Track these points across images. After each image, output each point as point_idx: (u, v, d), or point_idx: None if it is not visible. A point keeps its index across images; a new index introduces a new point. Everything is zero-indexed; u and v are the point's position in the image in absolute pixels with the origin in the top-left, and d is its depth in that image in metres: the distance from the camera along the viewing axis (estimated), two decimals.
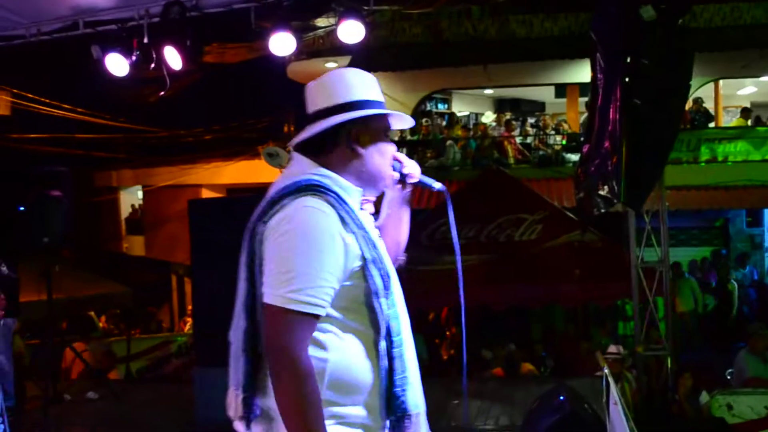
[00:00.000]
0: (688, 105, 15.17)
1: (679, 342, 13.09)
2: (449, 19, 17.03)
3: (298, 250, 1.98)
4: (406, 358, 2.16)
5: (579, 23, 16.26)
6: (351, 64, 16.69)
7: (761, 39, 15.59)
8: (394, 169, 2.31)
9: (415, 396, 2.19)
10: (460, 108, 20.00)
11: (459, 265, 2.48)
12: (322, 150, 2.18)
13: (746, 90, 19.19)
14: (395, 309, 2.16)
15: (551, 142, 16.45)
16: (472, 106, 20.04)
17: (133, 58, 6.78)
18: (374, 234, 2.18)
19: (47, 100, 15.91)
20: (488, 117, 17.97)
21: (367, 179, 2.22)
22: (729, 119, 18.03)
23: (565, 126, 16.83)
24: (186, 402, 7.30)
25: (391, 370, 2.12)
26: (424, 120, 16.69)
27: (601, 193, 6.00)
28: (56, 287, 8.03)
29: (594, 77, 6.10)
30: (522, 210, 9.85)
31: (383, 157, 2.24)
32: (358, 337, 2.11)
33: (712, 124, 16.27)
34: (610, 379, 3.90)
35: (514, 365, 9.95)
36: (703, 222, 15.61)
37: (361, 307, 2.11)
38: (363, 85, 2.22)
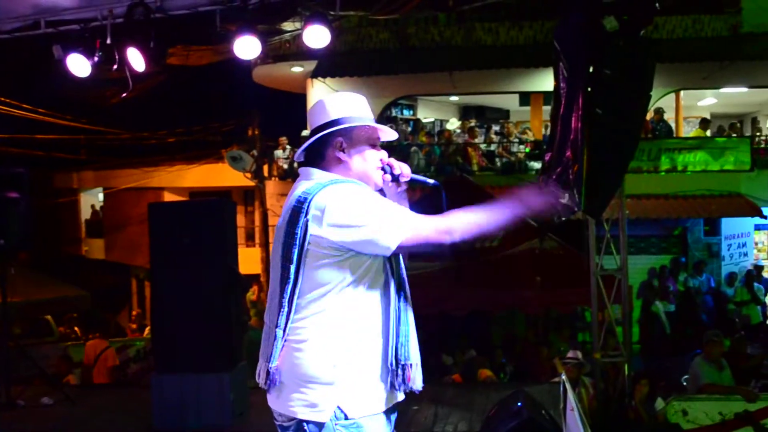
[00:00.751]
0: (650, 115, 15.45)
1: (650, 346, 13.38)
2: (416, 26, 17.21)
3: (365, 204, 2.45)
4: (408, 314, 2.58)
5: (544, 32, 16.55)
6: (317, 69, 16.69)
7: (721, 51, 15.97)
8: (386, 172, 2.69)
9: (414, 348, 2.59)
10: (426, 114, 20.09)
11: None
12: (316, 160, 2.64)
13: (707, 101, 19.61)
14: (400, 273, 2.60)
15: (515, 149, 16.65)
16: (438, 112, 20.16)
17: (96, 58, 6.71)
18: None
19: (7, 100, 15.63)
20: (453, 124, 18.07)
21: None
22: (689, 129, 18.38)
23: (529, 134, 17.05)
24: (144, 408, 7.21)
25: (397, 324, 2.51)
26: (388, 126, 16.79)
27: (562, 201, 5.90)
28: (12, 290, 7.88)
29: (557, 86, 5.96)
30: None
31: (366, 162, 2.65)
32: (373, 299, 2.52)
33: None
34: (568, 386, 3.93)
35: (473, 371, 9.99)
36: (661, 230, 15.88)
37: (378, 270, 2.53)
38: (347, 105, 2.66)
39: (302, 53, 16.17)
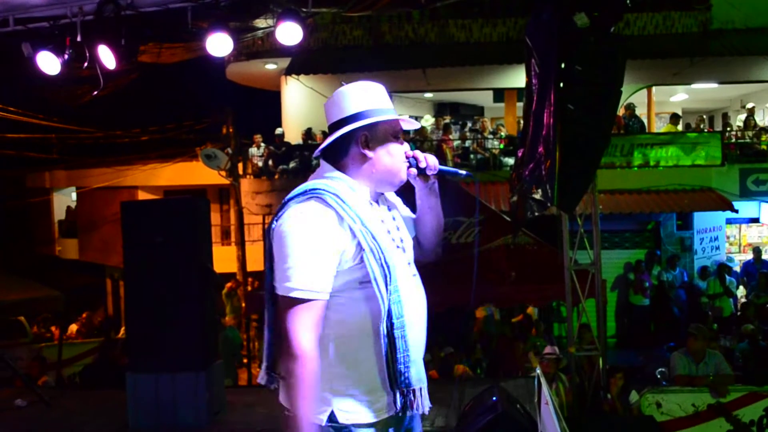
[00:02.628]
0: (622, 111, 15.56)
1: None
2: (389, 23, 17.21)
3: (293, 246, 2.29)
4: (408, 338, 2.40)
5: (517, 29, 16.63)
6: (291, 66, 16.63)
7: (692, 48, 16.14)
8: (411, 165, 2.56)
9: (418, 372, 2.46)
10: (400, 111, 19.80)
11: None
12: (338, 156, 2.49)
13: (678, 97, 19.80)
14: (398, 294, 2.39)
15: (489, 146, 16.72)
16: (412, 109, 20.12)
17: (66, 56, 6.63)
18: (377, 228, 2.43)
19: None
20: (427, 121, 18.05)
21: (380, 178, 2.51)
22: (661, 125, 18.56)
23: (503, 130, 17.10)
24: (119, 408, 7.14)
25: (392, 349, 2.37)
26: None
27: (535, 196, 5.97)
28: None
29: (529, 82, 6.05)
30: (460, 213, 9.94)
31: (392, 156, 2.51)
32: (360, 317, 2.39)
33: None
34: (542, 380, 3.96)
35: (450, 367, 10.01)
36: (635, 225, 16.00)
37: (360, 292, 2.38)
38: (368, 96, 2.51)
39: (275, 50, 16.15)
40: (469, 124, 18.28)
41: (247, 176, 16.84)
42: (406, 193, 2.76)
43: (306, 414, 2.30)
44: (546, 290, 9.44)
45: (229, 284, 16.43)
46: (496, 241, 9.51)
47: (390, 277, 2.38)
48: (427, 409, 2.52)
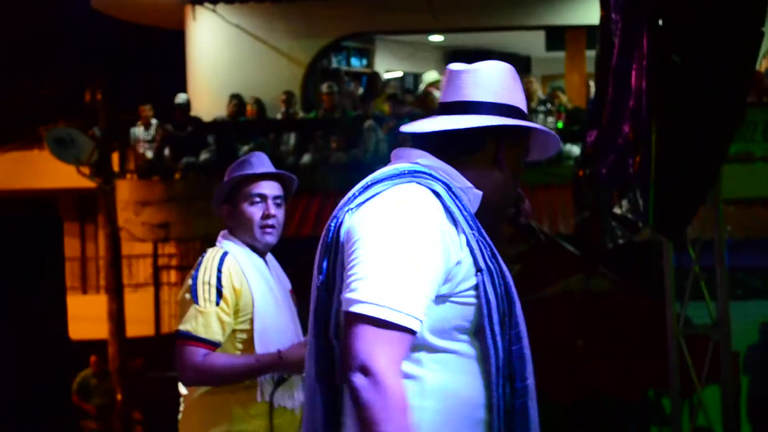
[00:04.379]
0: (764, 65, 12.68)
1: None
2: None
3: (387, 247, 1.88)
4: (530, 413, 2.01)
5: None
6: None
7: None
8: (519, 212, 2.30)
9: None
10: (389, 65, 15.61)
11: None
12: (453, 150, 2.07)
13: None
14: (521, 345, 1.99)
15: (540, 123, 14.14)
16: (409, 62, 15.62)
17: None
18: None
19: None
20: (433, 78, 13.26)
21: (491, 204, 2.12)
22: None
23: (563, 98, 14.22)
24: None
25: (509, 428, 1.97)
26: (326, 86, 12.73)
27: (618, 211, 4.80)
28: None
29: (606, 18, 4.80)
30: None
31: (513, 186, 2.18)
32: (468, 377, 1.96)
33: None
34: None
35: None
36: None
37: (467, 336, 1.96)
38: (522, 94, 2.19)
39: None
40: None
41: (128, 175, 12.39)
42: None
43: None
44: (636, 371, 7.53)
45: (93, 359, 11.17)
46: (553, 287, 7.67)
47: (512, 316, 1.96)
48: None
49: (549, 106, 12.63)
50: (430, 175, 2.00)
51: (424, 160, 2.06)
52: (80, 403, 10.56)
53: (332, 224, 2.02)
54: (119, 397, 11.15)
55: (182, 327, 2.74)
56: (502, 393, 1.94)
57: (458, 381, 1.93)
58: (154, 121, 12.23)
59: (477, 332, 1.93)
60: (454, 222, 1.94)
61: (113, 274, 12.30)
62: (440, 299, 1.89)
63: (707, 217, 6.10)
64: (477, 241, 1.97)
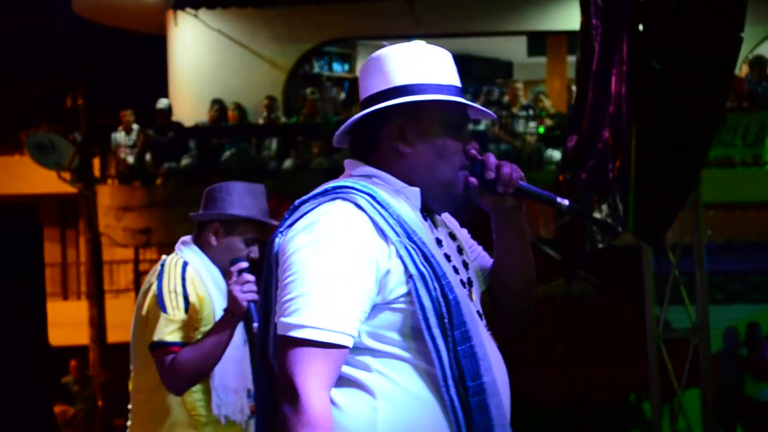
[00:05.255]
0: (744, 70, 12.21)
1: None
2: None
3: (313, 266, 1.92)
4: (491, 410, 1.98)
5: None
6: None
7: None
8: (472, 174, 2.03)
9: None
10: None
11: None
12: (367, 148, 2.07)
13: None
14: (469, 344, 1.96)
15: (521, 128, 14.11)
16: None
17: None
18: (433, 248, 2.00)
19: None
20: None
21: (432, 186, 2.04)
22: None
23: (545, 102, 14.27)
24: None
25: (470, 426, 1.97)
26: (309, 91, 13.06)
27: (598, 215, 4.75)
28: None
29: (586, 23, 4.80)
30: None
31: (442, 157, 2.04)
32: (419, 379, 1.98)
33: None
34: None
35: None
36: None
37: (411, 340, 1.97)
38: (419, 65, 2.05)
39: None
40: (486, 90, 15.38)
41: (109, 180, 12.59)
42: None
43: None
44: (616, 374, 7.48)
45: (73, 363, 11.88)
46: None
47: (452, 317, 1.92)
48: None
49: (530, 111, 12.73)
50: (354, 188, 2.00)
51: (358, 170, 2.08)
52: (61, 409, 10.60)
53: (267, 248, 2.07)
54: (100, 403, 11.19)
55: (156, 338, 2.74)
56: (456, 393, 1.95)
57: (410, 383, 1.96)
58: (135, 126, 12.30)
59: (417, 337, 1.95)
60: (382, 233, 1.95)
61: (94, 279, 12.46)
62: (376, 308, 1.93)
63: (687, 222, 6.11)
64: (406, 248, 1.97)
